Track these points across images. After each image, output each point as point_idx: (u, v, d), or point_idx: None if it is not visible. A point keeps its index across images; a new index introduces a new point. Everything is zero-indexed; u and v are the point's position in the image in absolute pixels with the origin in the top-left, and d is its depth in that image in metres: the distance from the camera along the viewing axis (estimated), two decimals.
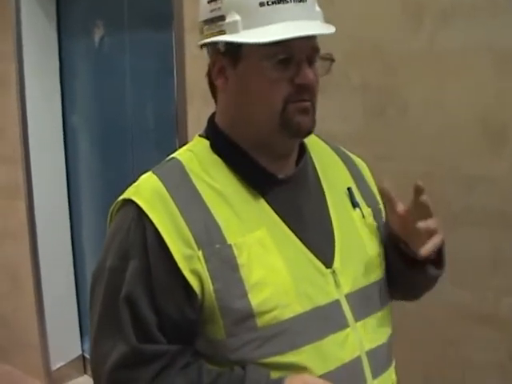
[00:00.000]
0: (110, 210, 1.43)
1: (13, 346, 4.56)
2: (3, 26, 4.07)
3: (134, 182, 1.42)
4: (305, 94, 1.35)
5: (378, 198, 1.61)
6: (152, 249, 1.30)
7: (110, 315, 1.33)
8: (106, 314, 1.34)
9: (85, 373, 4.44)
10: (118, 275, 1.32)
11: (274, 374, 1.30)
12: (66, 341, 4.35)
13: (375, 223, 1.57)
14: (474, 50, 2.26)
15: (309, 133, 1.40)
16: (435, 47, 2.35)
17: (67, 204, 4.29)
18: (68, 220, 4.30)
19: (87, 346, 4.39)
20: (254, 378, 1.26)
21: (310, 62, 1.36)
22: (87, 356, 4.39)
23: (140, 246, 1.31)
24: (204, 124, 1.52)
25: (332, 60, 1.40)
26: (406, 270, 1.50)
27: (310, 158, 1.52)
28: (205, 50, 1.44)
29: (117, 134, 3.99)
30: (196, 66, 3.05)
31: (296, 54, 1.32)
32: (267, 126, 1.37)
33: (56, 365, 4.33)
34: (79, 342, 4.40)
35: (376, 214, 1.58)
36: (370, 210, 1.56)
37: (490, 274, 2.25)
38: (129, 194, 1.37)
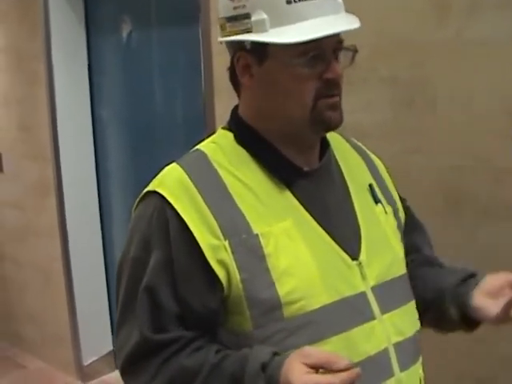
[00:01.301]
0: (135, 202, 1.44)
1: (45, 342, 4.61)
2: (32, 24, 4.11)
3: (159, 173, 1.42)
4: (333, 88, 1.35)
5: (395, 196, 1.62)
6: (175, 239, 1.30)
7: (130, 304, 1.35)
8: (127, 303, 1.36)
9: (116, 368, 4.45)
10: (141, 266, 1.33)
11: None
12: (97, 336, 4.38)
13: (396, 221, 1.57)
14: (501, 41, 2.24)
15: (338, 127, 1.40)
16: (463, 39, 2.32)
17: (97, 200, 4.31)
18: (98, 216, 4.33)
19: None
20: (258, 356, 1.25)
21: (336, 55, 1.35)
22: None
23: (162, 236, 1.32)
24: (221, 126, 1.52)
25: (355, 51, 1.39)
26: (455, 322, 1.50)
27: (333, 153, 1.52)
28: (224, 45, 1.44)
29: (145, 129, 4.00)
30: (223, 60, 3.00)
31: (325, 49, 1.32)
32: (298, 122, 1.37)
33: (88, 360, 4.37)
34: (110, 338, 4.42)
35: (395, 213, 1.58)
36: (390, 207, 1.56)
37: None
38: (153, 185, 1.38)
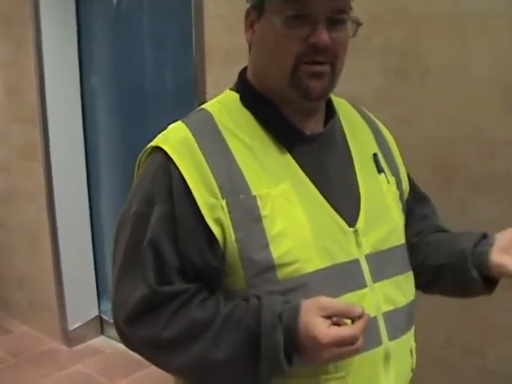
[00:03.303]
0: (138, 158, 1.44)
1: (31, 307, 4.61)
2: None
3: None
4: (318, 54, 1.33)
5: (401, 167, 1.62)
6: (177, 195, 1.31)
7: (133, 258, 1.34)
8: (130, 257, 1.35)
9: (102, 333, 4.49)
10: (144, 220, 1.33)
11: None
12: (83, 302, 4.39)
13: (398, 192, 1.57)
14: (497, 13, 2.23)
15: (320, 98, 1.40)
16: (458, 10, 2.31)
17: (85, 165, 4.30)
18: (85, 181, 4.32)
19: (104, 306, 4.44)
20: (271, 307, 1.26)
21: (332, 24, 1.33)
22: (104, 317, 4.44)
23: (165, 191, 1.32)
24: (224, 87, 1.52)
25: (358, 23, 1.37)
26: (477, 282, 1.49)
27: (339, 120, 1.52)
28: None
29: (135, 96, 3.98)
30: (215, 28, 3.03)
31: (313, 13, 1.31)
32: (279, 83, 1.38)
33: (73, 325, 4.38)
34: (96, 303, 4.45)
35: (398, 184, 1.58)
36: (394, 178, 1.56)
37: None
38: (157, 141, 1.38)
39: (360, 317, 1.23)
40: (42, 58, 4.01)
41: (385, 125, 1.67)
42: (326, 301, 1.24)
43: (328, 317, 1.22)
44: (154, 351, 1.36)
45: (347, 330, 1.21)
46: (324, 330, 1.21)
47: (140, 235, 1.33)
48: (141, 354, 1.40)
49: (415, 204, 1.66)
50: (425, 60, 2.41)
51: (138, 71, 3.91)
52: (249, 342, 1.25)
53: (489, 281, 1.49)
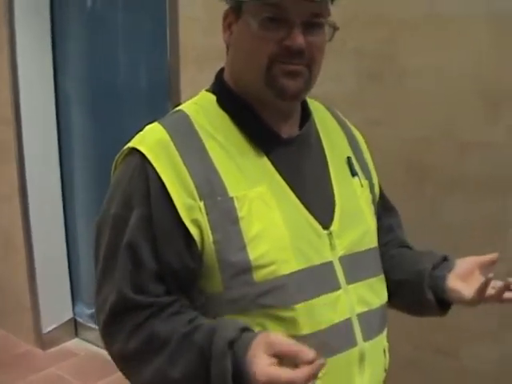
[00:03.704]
0: (115, 159, 1.43)
1: (4, 310, 4.56)
2: None
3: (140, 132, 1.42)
4: (293, 57, 1.33)
5: (373, 172, 1.63)
6: (155, 197, 1.31)
7: (111, 262, 1.34)
8: (108, 261, 1.34)
9: (76, 336, 4.45)
10: (122, 223, 1.33)
11: (269, 324, 1.31)
12: (57, 304, 4.35)
13: (371, 195, 1.59)
14: (473, 16, 2.24)
15: (295, 97, 1.40)
16: (434, 13, 2.33)
17: (58, 166, 4.26)
18: (59, 183, 4.28)
19: (78, 309, 4.42)
20: (224, 332, 1.23)
21: (309, 28, 1.34)
22: (78, 319, 4.41)
23: (143, 194, 1.31)
24: (198, 88, 1.52)
25: (335, 28, 1.38)
26: (431, 304, 1.54)
27: (314, 122, 1.53)
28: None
29: (109, 97, 3.96)
30: (190, 29, 3.02)
31: (290, 16, 1.31)
32: (255, 84, 1.38)
33: (47, 328, 4.34)
34: (70, 306, 4.42)
35: (371, 188, 1.60)
36: (367, 182, 1.58)
37: (484, 240, 2.26)
38: (134, 142, 1.38)
39: (311, 362, 1.14)
40: (15, 58, 3.97)
41: (357, 127, 1.68)
42: (274, 338, 1.19)
43: (276, 355, 1.16)
44: (121, 362, 1.36)
45: (287, 373, 1.13)
46: (263, 368, 1.15)
47: (118, 238, 1.33)
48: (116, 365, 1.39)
49: (383, 213, 1.67)
50: (400, 63, 2.42)
51: (112, 71, 3.89)
52: (201, 363, 1.23)
53: (443, 304, 1.54)
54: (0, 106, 4.16)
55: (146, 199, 1.31)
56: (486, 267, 1.51)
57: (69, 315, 4.42)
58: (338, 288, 1.39)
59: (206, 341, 1.24)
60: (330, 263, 1.39)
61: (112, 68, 3.88)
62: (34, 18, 4.00)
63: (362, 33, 2.48)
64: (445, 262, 1.56)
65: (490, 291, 1.42)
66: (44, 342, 4.32)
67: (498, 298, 1.42)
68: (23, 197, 4.16)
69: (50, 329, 4.35)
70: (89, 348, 4.18)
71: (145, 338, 1.30)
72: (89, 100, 4.09)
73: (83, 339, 4.37)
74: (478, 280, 1.44)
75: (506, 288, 1.40)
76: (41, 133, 4.15)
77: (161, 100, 3.36)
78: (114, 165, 1.44)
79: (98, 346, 4.09)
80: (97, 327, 1.40)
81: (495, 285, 1.42)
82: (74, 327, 4.46)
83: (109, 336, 1.35)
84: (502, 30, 2.19)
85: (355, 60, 2.51)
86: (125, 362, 1.35)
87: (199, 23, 2.90)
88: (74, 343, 4.41)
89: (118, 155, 1.42)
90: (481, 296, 1.42)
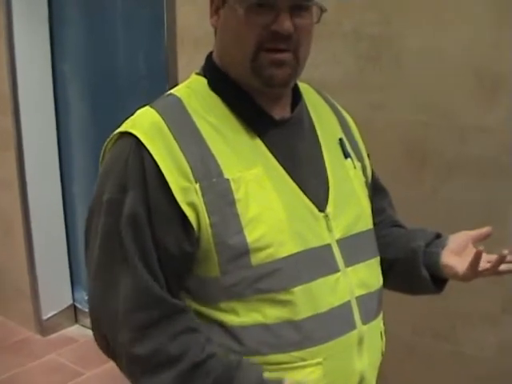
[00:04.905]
0: (103, 146, 1.40)
1: (4, 296, 4.57)
2: None
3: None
4: (280, 42, 1.32)
5: (364, 154, 1.62)
6: (150, 180, 1.28)
7: (111, 246, 1.30)
8: (107, 246, 1.31)
9: (76, 322, 4.46)
10: (118, 206, 1.30)
11: (267, 310, 1.30)
12: (57, 290, 4.35)
13: (364, 177, 1.58)
14: None
15: (283, 85, 1.39)
16: None
17: (57, 153, 4.26)
18: (58, 169, 4.27)
19: (78, 295, 4.41)
20: (249, 370, 1.26)
21: (296, 10, 1.32)
22: (78, 305, 4.41)
23: (138, 177, 1.29)
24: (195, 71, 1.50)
25: (322, 9, 1.37)
26: (426, 281, 1.54)
27: (305, 105, 1.51)
28: None
29: (107, 82, 3.94)
30: (187, 12, 3.01)
31: (276, 1, 1.30)
32: (241, 70, 1.37)
33: (47, 314, 4.34)
34: (70, 292, 4.41)
35: (364, 169, 1.59)
36: (359, 164, 1.57)
37: (483, 224, 2.25)
38: (126, 126, 1.35)
39: None
40: (13, 44, 3.94)
41: (356, 111, 1.67)
42: None
43: None
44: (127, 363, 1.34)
45: None
46: None
47: (115, 225, 1.30)
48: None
49: (375, 194, 1.66)
50: (397, 45, 2.41)
51: (109, 56, 3.87)
52: None
53: (438, 280, 1.54)
54: None
55: (142, 182, 1.29)
56: (479, 241, 1.51)
57: (68, 301, 4.42)
58: (337, 271, 1.38)
59: (225, 372, 1.26)
60: (329, 246, 1.38)
61: (109, 52, 3.85)
62: (31, 3, 3.97)
63: (359, 14, 2.46)
64: (438, 238, 1.57)
65: (486, 265, 1.43)
66: (44, 328, 4.33)
67: (493, 270, 1.42)
68: (22, 183, 4.15)
69: (49, 315, 4.35)
70: (89, 334, 4.10)
71: (155, 347, 1.27)
72: (87, 85, 4.06)
73: (83, 325, 4.37)
74: (471, 254, 1.43)
75: (501, 260, 1.40)
76: (39, 120, 4.13)
77: (158, 83, 3.34)
78: (103, 150, 1.41)
79: None
80: None
81: (491, 259, 1.42)
82: (74, 313, 4.46)
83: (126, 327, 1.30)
84: (500, 11, 2.17)
85: (353, 42, 2.50)
86: (131, 362, 1.32)
87: (196, 6, 2.89)
88: (73, 329, 4.41)
89: (107, 140, 1.39)
90: (474, 269, 1.42)
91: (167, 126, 1.32)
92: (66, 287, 4.40)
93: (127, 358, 1.31)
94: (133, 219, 1.28)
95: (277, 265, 1.31)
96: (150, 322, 1.28)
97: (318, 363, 1.33)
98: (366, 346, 1.42)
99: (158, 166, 1.28)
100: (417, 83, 2.38)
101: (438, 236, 1.58)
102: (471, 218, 2.23)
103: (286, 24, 1.30)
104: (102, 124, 3.92)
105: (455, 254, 1.50)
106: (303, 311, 1.32)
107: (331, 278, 1.37)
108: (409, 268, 1.56)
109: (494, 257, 1.41)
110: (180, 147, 1.29)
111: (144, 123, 1.34)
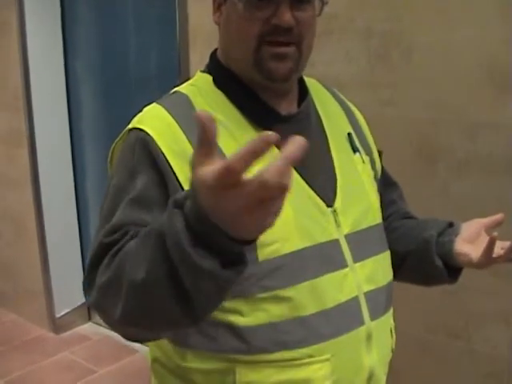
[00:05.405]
0: (111, 147, 1.40)
1: (17, 295, 4.59)
2: None
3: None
4: (281, 35, 1.31)
5: (373, 148, 1.61)
6: (160, 164, 1.25)
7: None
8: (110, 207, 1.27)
9: (89, 320, 4.48)
10: (124, 189, 1.26)
11: (273, 308, 1.28)
12: (70, 288, 4.37)
13: (372, 172, 1.57)
14: None
15: (284, 79, 1.37)
16: None
17: (70, 151, 4.28)
18: (71, 167, 4.30)
19: None
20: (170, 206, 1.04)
21: (297, 3, 1.32)
22: None
23: (148, 162, 1.27)
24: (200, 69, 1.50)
25: (323, 2, 1.36)
26: (440, 271, 1.52)
27: (312, 100, 1.51)
28: None
29: (119, 81, 3.95)
30: (199, 10, 3.01)
31: None
32: (244, 65, 1.36)
33: (60, 312, 4.37)
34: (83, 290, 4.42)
35: (372, 164, 1.58)
36: (368, 158, 1.56)
37: None
38: (133, 123, 1.35)
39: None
40: (25, 43, 3.97)
41: (368, 108, 1.66)
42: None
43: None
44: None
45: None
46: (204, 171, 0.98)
47: (122, 195, 1.26)
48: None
49: (385, 189, 1.65)
50: (407, 42, 2.40)
51: (121, 54, 3.88)
52: (158, 245, 1.02)
53: (452, 270, 1.52)
54: (11, 92, 4.18)
55: (153, 166, 1.26)
56: (492, 228, 1.50)
57: (81, 299, 4.42)
58: (345, 266, 1.37)
59: (158, 227, 1.05)
60: (336, 241, 1.37)
61: (122, 50, 3.87)
62: (43, 2, 3.99)
63: (371, 11, 2.45)
64: (450, 227, 1.55)
65: (499, 251, 1.41)
66: (57, 326, 4.35)
67: (506, 257, 1.41)
68: (35, 181, 4.17)
69: (62, 313, 4.38)
70: (102, 332, 4.20)
71: (116, 264, 1.16)
72: (99, 83, 4.08)
73: (96, 323, 4.39)
74: (485, 242, 1.42)
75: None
76: (52, 118, 4.15)
77: (171, 81, 3.34)
78: (110, 152, 1.40)
79: (111, 330, 4.10)
80: None
81: (504, 245, 1.41)
82: (87, 311, 4.48)
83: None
84: (510, 7, 2.16)
85: (365, 39, 2.49)
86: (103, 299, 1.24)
87: (208, 4, 2.88)
88: (86, 327, 4.44)
89: (114, 142, 1.39)
90: (488, 256, 1.41)
91: (175, 119, 1.32)
92: (78, 285, 4.35)
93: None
94: (141, 199, 1.25)
95: (283, 260, 1.29)
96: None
97: (326, 359, 1.32)
98: (374, 342, 1.40)
99: (166, 159, 1.27)
100: (427, 80, 2.37)
101: (451, 225, 1.56)
102: (482, 215, 2.22)
103: (286, 17, 1.29)
104: (115, 122, 3.92)
105: (468, 242, 1.49)
106: (309, 307, 1.31)
107: (339, 273, 1.36)
108: (422, 258, 1.54)
109: (507, 243, 1.40)
110: (189, 140, 1.28)
111: (151, 118, 1.34)
